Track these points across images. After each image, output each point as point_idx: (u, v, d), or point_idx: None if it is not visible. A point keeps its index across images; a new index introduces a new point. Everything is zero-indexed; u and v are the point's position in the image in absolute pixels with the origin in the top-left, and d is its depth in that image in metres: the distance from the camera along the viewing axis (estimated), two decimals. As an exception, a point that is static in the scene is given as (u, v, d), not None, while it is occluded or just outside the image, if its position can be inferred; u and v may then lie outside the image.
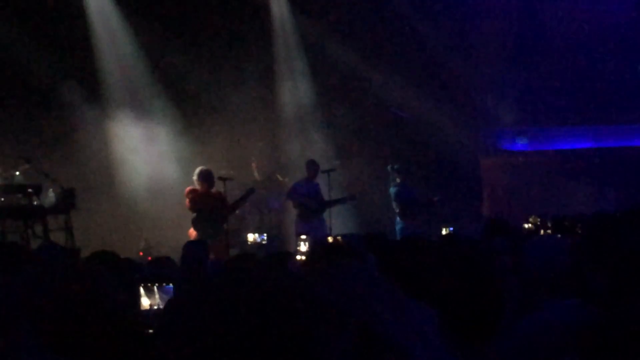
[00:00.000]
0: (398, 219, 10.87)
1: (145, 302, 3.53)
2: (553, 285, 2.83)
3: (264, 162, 12.62)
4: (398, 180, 10.91)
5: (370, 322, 0.90)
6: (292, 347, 0.87)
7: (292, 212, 10.96)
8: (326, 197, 10.56)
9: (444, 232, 8.38)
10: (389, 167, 11.14)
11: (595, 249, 2.58)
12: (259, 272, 0.96)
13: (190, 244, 6.17)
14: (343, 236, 7.41)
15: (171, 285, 3.52)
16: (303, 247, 7.52)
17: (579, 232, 6.38)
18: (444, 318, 1.99)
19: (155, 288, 3.53)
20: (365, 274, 0.98)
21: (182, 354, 0.91)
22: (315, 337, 0.87)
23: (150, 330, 2.22)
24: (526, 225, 9.28)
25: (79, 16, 11.83)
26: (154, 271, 4.58)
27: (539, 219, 9.48)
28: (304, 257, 6.33)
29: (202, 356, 0.90)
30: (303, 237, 7.78)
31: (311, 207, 10.26)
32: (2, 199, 9.27)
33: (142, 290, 3.52)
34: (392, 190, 10.93)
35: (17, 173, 9.60)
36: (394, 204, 10.88)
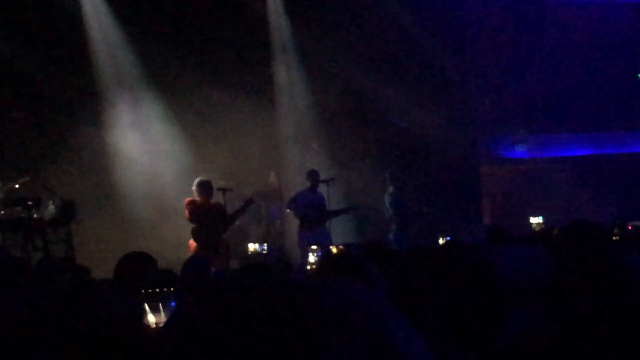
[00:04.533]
0: (392, 227, 10.85)
1: (151, 319, 3.49)
2: (526, 295, 2.79)
3: (281, 173, 12.56)
4: (391, 188, 10.89)
5: (380, 333, 0.90)
6: (301, 356, 0.87)
7: (294, 222, 10.96)
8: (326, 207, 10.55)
9: (441, 241, 8.33)
10: (386, 175, 11.13)
11: (570, 258, 2.57)
12: (265, 281, 0.96)
13: (191, 261, 5.97)
14: (344, 246, 7.41)
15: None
16: (312, 257, 7.49)
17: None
18: (448, 325, 1.99)
19: (160, 305, 3.50)
20: (368, 290, 0.98)
21: None
22: (326, 347, 0.87)
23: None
24: (533, 224, 9.30)
25: (77, 28, 11.85)
26: (157, 280, 4.56)
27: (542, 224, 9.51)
28: (313, 268, 6.31)
29: None
30: (314, 247, 7.75)
31: (311, 217, 10.25)
32: (2, 212, 9.28)
33: (147, 307, 3.49)
34: (386, 198, 10.92)
35: (17, 186, 9.61)
36: (387, 213, 10.87)
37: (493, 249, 5.31)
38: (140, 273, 4.05)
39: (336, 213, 10.66)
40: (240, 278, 1.02)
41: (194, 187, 9.55)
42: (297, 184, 11.40)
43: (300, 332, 0.88)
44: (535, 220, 10.09)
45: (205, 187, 9.55)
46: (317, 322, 0.89)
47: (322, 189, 10.62)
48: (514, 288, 2.80)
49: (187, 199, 9.55)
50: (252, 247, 9.89)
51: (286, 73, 13.26)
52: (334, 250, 7.15)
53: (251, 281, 0.97)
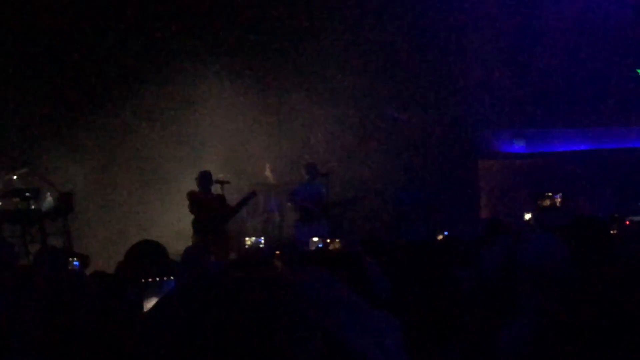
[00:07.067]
0: (401, 222, 10.87)
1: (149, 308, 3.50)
2: (549, 282, 2.83)
3: (278, 165, 12.54)
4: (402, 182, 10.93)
5: (333, 331, 0.92)
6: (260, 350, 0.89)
7: (292, 216, 10.96)
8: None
9: (439, 237, 8.36)
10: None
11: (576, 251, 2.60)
12: (238, 278, 0.98)
13: (190, 249, 6.11)
14: (341, 239, 7.43)
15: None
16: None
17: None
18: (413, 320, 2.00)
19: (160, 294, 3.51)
20: (331, 284, 0.99)
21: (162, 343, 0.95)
22: (282, 344, 0.89)
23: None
24: (527, 217, 9.35)
25: (79, 22, 11.82)
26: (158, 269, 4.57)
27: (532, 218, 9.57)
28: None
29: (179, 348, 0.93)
30: (315, 239, 7.79)
31: (311, 211, 10.25)
32: (0, 204, 9.27)
33: (145, 295, 3.50)
34: (396, 192, 10.95)
35: (15, 177, 9.60)
36: (396, 207, 10.89)
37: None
38: (150, 262, 4.05)
39: (335, 206, 10.66)
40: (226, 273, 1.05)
41: (195, 179, 9.65)
42: (295, 176, 11.39)
43: (264, 326, 0.90)
44: (528, 215, 10.14)
45: (204, 179, 9.60)
46: (276, 320, 0.91)
47: (321, 181, 10.62)
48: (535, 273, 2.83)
49: (189, 191, 9.60)
50: (249, 240, 9.90)
51: (285, 65, 13.23)
52: (332, 243, 7.18)
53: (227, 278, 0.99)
